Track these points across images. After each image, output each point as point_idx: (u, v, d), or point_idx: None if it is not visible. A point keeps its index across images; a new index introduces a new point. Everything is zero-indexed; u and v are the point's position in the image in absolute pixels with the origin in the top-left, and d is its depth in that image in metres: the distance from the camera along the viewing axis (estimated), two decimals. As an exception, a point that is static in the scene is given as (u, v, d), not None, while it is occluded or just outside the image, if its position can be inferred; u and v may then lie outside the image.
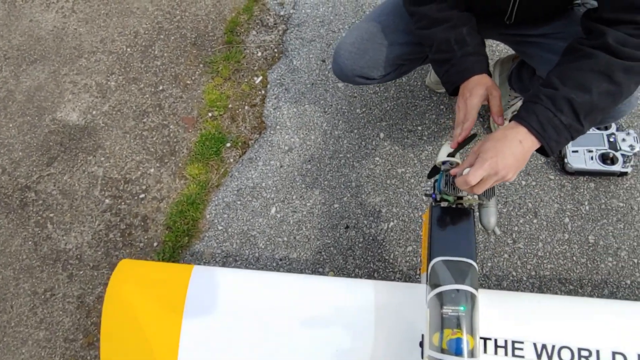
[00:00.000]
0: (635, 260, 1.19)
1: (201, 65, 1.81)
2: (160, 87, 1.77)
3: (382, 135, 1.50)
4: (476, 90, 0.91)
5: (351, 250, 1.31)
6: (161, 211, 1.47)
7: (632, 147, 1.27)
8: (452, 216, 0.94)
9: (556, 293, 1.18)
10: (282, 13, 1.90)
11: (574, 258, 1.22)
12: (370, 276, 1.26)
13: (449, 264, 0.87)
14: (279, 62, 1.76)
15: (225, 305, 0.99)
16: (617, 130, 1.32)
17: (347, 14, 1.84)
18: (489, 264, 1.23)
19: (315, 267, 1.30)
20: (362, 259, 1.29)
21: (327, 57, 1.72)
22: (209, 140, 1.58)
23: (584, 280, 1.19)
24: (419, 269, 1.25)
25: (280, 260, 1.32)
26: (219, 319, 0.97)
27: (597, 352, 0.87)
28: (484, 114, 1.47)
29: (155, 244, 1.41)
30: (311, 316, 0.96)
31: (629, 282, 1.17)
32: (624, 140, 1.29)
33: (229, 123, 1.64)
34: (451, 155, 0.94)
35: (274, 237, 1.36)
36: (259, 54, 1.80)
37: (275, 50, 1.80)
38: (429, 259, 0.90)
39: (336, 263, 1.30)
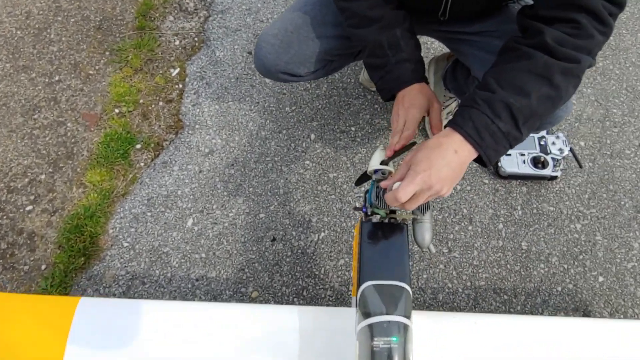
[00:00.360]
0: (565, 266, 1.18)
1: (107, 53, 1.56)
2: (57, 78, 1.50)
3: (312, 136, 1.38)
4: (417, 101, 0.84)
5: (278, 266, 1.17)
6: (53, 226, 1.24)
7: (561, 150, 1.26)
8: (384, 233, 0.84)
9: (491, 304, 1.13)
10: (203, -2, 1.71)
11: (508, 266, 1.18)
12: (298, 295, 1.14)
13: (380, 289, 0.77)
14: (200, 52, 1.56)
15: (120, 348, 0.81)
16: (547, 133, 1.31)
17: (277, 1, 1.68)
18: (425, 276, 1.16)
19: (237, 287, 1.15)
20: (290, 275, 1.16)
21: (253, 48, 1.56)
22: (115, 141, 1.36)
23: (517, 289, 1.15)
24: (351, 286, 1.15)
25: (197, 280, 1.15)
26: (110, 365, 0.79)
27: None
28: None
29: (43, 267, 1.18)
30: (222, 351, 0.81)
31: (559, 289, 1.16)
32: (553, 143, 1.28)
33: (140, 121, 1.42)
34: (385, 163, 0.84)
35: (190, 254, 1.19)
36: (177, 42, 1.60)
37: (196, 39, 1.60)
38: (359, 283, 0.79)
39: (261, 281, 1.16)
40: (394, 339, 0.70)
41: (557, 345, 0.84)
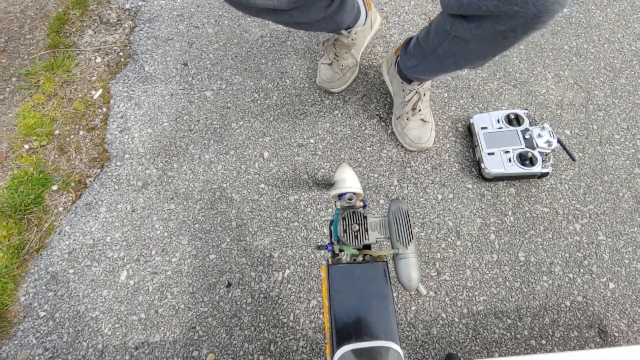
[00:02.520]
0: (571, 276, 1.03)
1: (13, 79, 1.31)
2: (-50, 114, 1.25)
3: (266, 154, 1.18)
4: None
5: (237, 318, 0.96)
6: (-54, 301, 0.98)
7: (549, 143, 1.11)
8: (359, 277, 0.64)
9: (494, 332, 0.96)
10: (127, 6, 1.48)
11: (507, 283, 1.02)
12: (264, 350, 0.93)
13: (360, 356, 0.57)
14: (126, 68, 1.34)
15: None
16: (531, 125, 1.16)
17: (212, 4, 1.48)
18: (413, 308, 0.98)
19: (188, 351, 0.93)
20: (252, 328, 0.95)
21: (189, 59, 1.35)
22: (25, 184, 1.12)
23: (521, 310, 0.98)
24: (326, 341, 0.95)
25: (136, 349, 0.92)
26: None
27: None
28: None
29: None
30: None
31: (568, 303, 1.00)
32: (540, 135, 1.13)
33: (56, 156, 1.18)
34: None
35: (125, 316, 0.96)
36: (98, 59, 1.36)
37: (121, 53, 1.38)
38: (333, 347, 0.59)
39: (217, 339, 0.94)
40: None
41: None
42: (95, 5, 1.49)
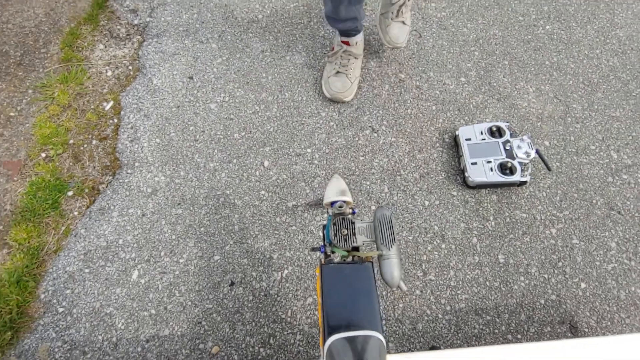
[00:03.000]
0: (546, 276, 1.12)
1: (30, 91, 1.40)
2: (-29, 124, 1.33)
3: (266, 163, 1.27)
4: None
5: (239, 314, 1.05)
6: (-28, 298, 1.07)
7: (527, 154, 1.21)
8: (347, 275, 0.73)
9: (474, 327, 1.05)
10: (136, 22, 1.57)
11: (487, 283, 1.11)
12: (264, 343, 1.02)
13: (347, 343, 0.66)
14: (135, 82, 1.43)
15: None
16: (512, 136, 1.26)
17: (216, 20, 1.57)
18: (401, 305, 1.07)
19: (195, 344, 1.01)
20: (254, 323, 1.04)
21: (194, 72, 1.44)
22: (43, 190, 1.20)
23: (500, 308, 1.07)
24: (319, 333, 1.04)
25: (147, 341, 1.01)
26: None
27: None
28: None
29: (-38, 348, 1.01)
30: None
31: (543, 301, 1.09)
32: (519, 147, 1.22)
33: (71, 164, 1.27)
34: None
35: (137, 312, 1.05)
36: (109, 73, 1.45)
37: (130, 67, 1.47)
38: (324, 336, 0.68)
39: (221, 333, 1.03)
40: (370, 401, 0.60)
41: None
42: (106, 21, 1.58)
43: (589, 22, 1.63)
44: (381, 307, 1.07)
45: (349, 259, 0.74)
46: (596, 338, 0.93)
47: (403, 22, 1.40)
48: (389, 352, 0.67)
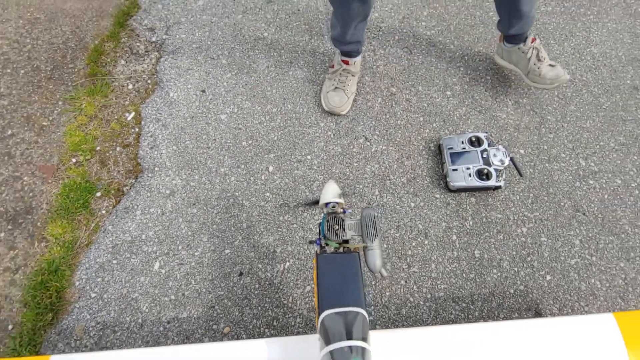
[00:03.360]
0: (516, 269, 1.27)
1: (60, 103, 1.57)
2: (9, 132, 1.50)
3: (271, 168, 1.43)
4: None
5: (247, 300, 1.21)
6: (16, 284, 1.23)
7: (502, 161, 1.36)
8: (338, 263, 0.89)
9: (451, 313, 1.20)
10: (153, 39, 1.74)
11: (464, 275, 1.26)
12: (269, 325, 1.18)
13: (338, 316, 0.82)
14: (154, 94, 1.59)
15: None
16: (489, 146, 1.41)
17: (226, 38, 1.74)
18: (387, 293, 1.22)
19: (209, 325, 1.17)
20: (260, 308, 1.20)
21: (207, 86, 1.61)
22: (74, 191, 1.37)
23: (474, 296, 1.23)
24: (315, 313, 1.20)
25: (168, 322, 1.17)
26: None
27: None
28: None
29: (10, 327, 1.17)
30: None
31: (512, 291, 1.24)
32: (495, 155, 1.38)
33: (98, 168, 1.43)
34: None
35: (159, 297, 1.21)
36: (130, 86, 1.62)
37: (149, 81, 1.63)
38: (319, 312, 0.84)
39: (232, 316, 1.19)
40: (355, 361, 0.75)
41: (509, 347, 0.91)
42: (126, 38, 1.75)
43: (567, 39, 1.79)
44: (366, 290, 1.22)
45: (340, 250, 0.90)
46: (549, 319, 1.09)
47: (550, 64, 1.49)
48: (373, 329, 0.82)
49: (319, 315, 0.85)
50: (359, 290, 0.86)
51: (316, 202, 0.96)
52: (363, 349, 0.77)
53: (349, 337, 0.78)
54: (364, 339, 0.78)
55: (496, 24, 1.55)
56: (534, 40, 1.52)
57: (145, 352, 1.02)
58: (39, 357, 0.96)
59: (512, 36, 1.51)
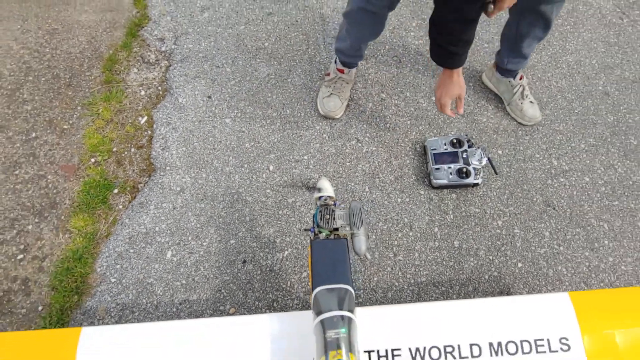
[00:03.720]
0: (491, 258, 1.42)
1: (79, 108, 1.72)
2: (33, 134, 1.65)
3: (271, 167, 1.58)
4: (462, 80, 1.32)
5: (250, 284, 1.36)
6: (44, 271, 1.38)
7: (480, 161, 1.51)
8: (329, 247, 1.03)
9: (432, 296, 1.35)
10: (163, 49, 1.89)
11: (444, 262, 1.41)
12: (269, 306, 1.32)
13: (328, 291, 0.96)
14: (164, 100, 1.74)
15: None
16: (469, 147, 1.56)
17: (229, 48, 1.89)
18: (375, 279, 1.37)
19: (217, 306, 1.32)
20: (261, 291, 1.35)
21: (212, 92, 1.75)
22: (94, 188, 1.52)
23: (452, 281, 1.37)
24: (309, 295, 1.34)
25: (180, 304, 1.32)
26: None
27: (458, 346, 1.03)
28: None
29: (40, 308, 1.32)
30: (210, 357, 0.99)
31: (487, 277, 1.39)
32: (473, 155, 1.52)
33: (115, 168, 1.58)
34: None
35: (171, 282, 1.36)
36: (142, 92, 1.77)
37: (159, 88, 1.78)
38: (312, 288, 0.99)
39: (236, 299, 1.33)
40: (343, 330, 0.90)
41: (478, 321, 1.05)
42: (138, 48, 1.89)
43: (544, 48, 1.93)
44: (356, 276, 1.37)
45: (331, 237, 1.05)
46: (515, 296, 1.23)
47: (531, 102, 1.68)
48: (360, 305, 0.96)
49: (312, 291, 0.99)
50: (347, 270, 1.01)
51: (312, 188, 1.10)
52: (350, 319, 0.91)
53: (338, 309, 0.93)
54: (351, 311, 0.92)
55: (495, 53, 1.69)
56: (522, 77, 1.68)
57: (163, 325, 1.16)
58: (71, 329, 1.10)
59: (506, 70, 1.66)
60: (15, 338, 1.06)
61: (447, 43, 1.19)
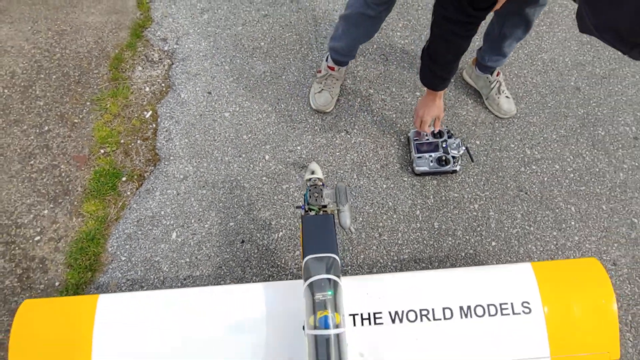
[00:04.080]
0: (467, 237, 1.56)
1: (88, 103, 1.85)
2: (46, 128, 1.78)
3: (267, 157, 1.71)
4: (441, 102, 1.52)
5: (248, 262, 1.49)
6: (60, 251, 1.51)
7: (458, 150, 1.65)
8: (318, 222, 1.17)
9: (412, 270, 1.49)
10: (166, 48, 2.02)
11: (424, 241, 1.55)
12: (266, 281, 1.46)
13: (317, 259, 1.10)
14: (167, 96, 1.88)
15: (134, 327, 1.10)
16: (448, 137, 1.69)
17: (228, 47, 2.02)
18: (362, 257, 1.51)
19: (218, 281, 1.45)
20: (258, 268, 1.48)
21: (212, 89, 1.89)
22: (104, 177, 1.65)
23: (432, 258, 1.51)
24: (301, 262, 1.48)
25: (184, 279, 1.46)
26: (129, 342, 1.08)
27: (433, 310, 1.17)
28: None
29: (57, 284, 1.45)
30: (213, 322, 1.12)
31: (463, 254, 1.53)
32: (452, 145, 1.66)
33: (123, 158, 1.72)
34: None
35: (176, 260, 1.49)
36: (147, 89, 1.90)
37: (163, 84, 1.92)
38: (303, 257, 1.12)
39: (236, 274, 1.47)
40: (329, 292, 1.03)
41: (451, 288, 1.19)
42: (142, 48, 2.03)
43: (522, 47, 2.08)
44: (344, 254, 1.50)
45: (320, 213, 1.18)
46: (483, 266, 1.36)
47: (507, 97, 1.82)
48: (346, 274, 1.09)
49: (303, 259, 1.13)
50: (333, 241, 1.14)
51: (305, 167, 1.23)
52: (335, 282, 1.05)
53: (325, 273, 1.06)
54: (337, 276, 1.06)
55: (477, 49, 1.83)
56: (498, 74, 1.82)
57: (171, 292, 1.29)
58: (89, 296, 1.23)
59: (486, 66, 1.79)
60: (40, 304, 1.19)
61: (440, 70, 1.36)
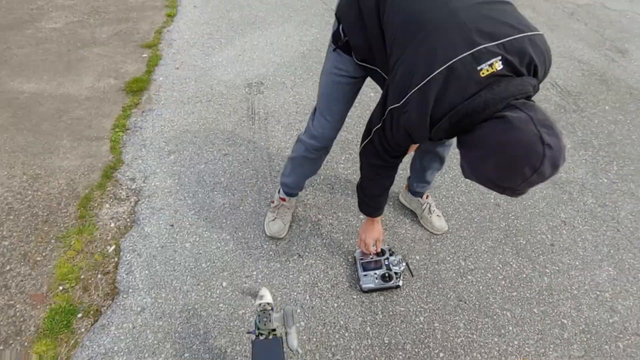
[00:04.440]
0: (417, 350, 1.63)
1: (53, 241, 1.95)
2: (7, 267, 1.83)
3: (224, 284, 1.81)
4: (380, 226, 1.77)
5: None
6: (3, 399, 1.45)
7: (399, 266, 1.82)
8: (267, 346, 1.24)
9: None
10: (133, 186, 2.22)
11: (376, 358, 1.60)
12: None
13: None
14: (132, 230, 2.01)
15: None
16: (390, 255, 1.88)
17: (191, 183, 2.25)
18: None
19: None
20: None
21: (175, 221, 2.05)
22: (59, 314, 1.67)
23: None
24: None
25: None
26: None
27: None
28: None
29: None
30: None
31: (414, 368, 1.59)
32: (393, 262, 1.84)
33: (81, 293, 1.76)
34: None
35: None
36: (112, 224, 2.04)
37: (128, 219, 2.07)
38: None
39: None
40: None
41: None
42: (111, 187, 2.22)
43: (447, 172, 2.43)
44: None
45: (270, 337, 1.26)
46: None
47: (438, 216, 2.08)
48: None
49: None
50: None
51: (255, 294, 1.33)
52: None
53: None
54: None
55: (407, 178, 2.14)
56: (427, 196, 2.13)
57: None
58: None
59: (415, 191, 2.11)
60: None
61: (372, 202, 1.65)
